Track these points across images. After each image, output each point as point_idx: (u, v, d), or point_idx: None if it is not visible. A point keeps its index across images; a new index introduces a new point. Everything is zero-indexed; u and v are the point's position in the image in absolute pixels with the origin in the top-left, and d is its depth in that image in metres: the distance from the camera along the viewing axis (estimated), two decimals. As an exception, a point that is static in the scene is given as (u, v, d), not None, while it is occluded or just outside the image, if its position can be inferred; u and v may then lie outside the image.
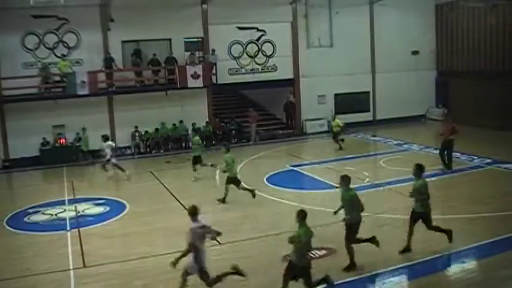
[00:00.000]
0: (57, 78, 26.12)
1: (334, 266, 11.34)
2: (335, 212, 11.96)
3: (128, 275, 11.60)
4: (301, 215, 9.68)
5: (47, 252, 13.45)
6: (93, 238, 14.41)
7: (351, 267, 11.20)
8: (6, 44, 25.37)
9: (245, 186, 17.36)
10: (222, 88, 29.70)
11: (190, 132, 28.04)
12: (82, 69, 26.14)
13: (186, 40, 28.97)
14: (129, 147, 27.57)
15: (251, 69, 30.43)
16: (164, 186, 20.00)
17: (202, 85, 27.71)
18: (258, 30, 30.29)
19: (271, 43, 30.58)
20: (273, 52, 30.70)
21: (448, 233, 11.91)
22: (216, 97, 30.57)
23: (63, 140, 26.18)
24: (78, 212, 17.03)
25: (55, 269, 12.16)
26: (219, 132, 29.33)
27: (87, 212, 17.13)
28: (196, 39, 29.46)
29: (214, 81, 28.78)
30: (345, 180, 11.46)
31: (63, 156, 25.37)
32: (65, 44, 26.51)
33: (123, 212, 16.87)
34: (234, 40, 29.85)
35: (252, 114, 29.83)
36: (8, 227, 15.90)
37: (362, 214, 11.38)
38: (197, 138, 21.87)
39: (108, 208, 17.41)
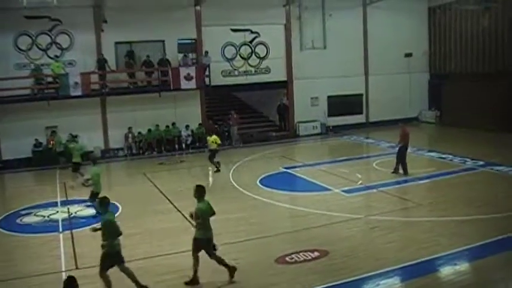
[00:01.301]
0: (50, 80, 26.02)
1: (327, 267, 11.37)
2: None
3: (122, 277, 11.53)
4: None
5: (39, 254, 13.39)
6: (86, 240, 14.28)
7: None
8: (-2, 45, 25.33)
9: None
10: (215, 90, 29.67)
11: (183, 133, 28.09)
12: (75, 70, 26.08)
13: (179, 42, 28.92)
14: (121, 149, 27.50)
15: (244, 71, 30.45)
16: (157, 188, 19.96)
17: (195, 87, 27.73)
18: (252, 32, 30.33)
19: (265, 45, 30.63)
20: (266, 54, 30.75)
21: (232, 270, 10.93)
22: (209, 99, 30.60)
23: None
24: (71, 214, 16.96)
25: (47, 270, 12.10)
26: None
27: (80, 213, 17.06)
28: (189, 41, 29.41)
29: (207, 83, 28.76)
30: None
31: (56, 158, 25.25)
32: (58, 45, 26.42)
33: (116, 214, 16.69)
34: (228, 42, 29.87)
35: (233, 117, 29.78)
36: (0, 229, 15.81)
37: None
38: (73, 145, 22.04)
39: (100, 210, 17.33)
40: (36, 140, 25.71)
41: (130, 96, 27.14)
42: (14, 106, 25.00)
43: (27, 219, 16.65)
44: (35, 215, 17.09)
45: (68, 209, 17.49)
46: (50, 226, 15.83)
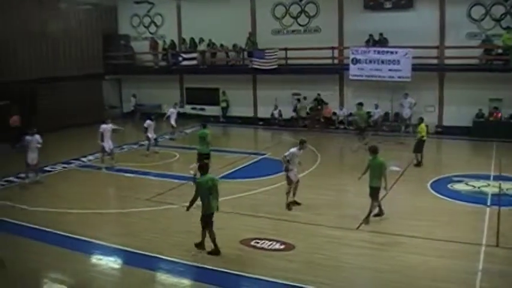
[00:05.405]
0: (500, 51, 25.43)
1: None
2: None
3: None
4: None
5: (462, 223, 13.67)
6: (512, 219, 13.89)
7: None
8: (453, 14, 26.08)
9: None
10: None
11: None
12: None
13: None
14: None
15: None
16: None
17: None
18: None
19: None
20: None
21: (215, 251, 11.73)
22: None
23: (499, 114, 25.51)
24: (502, 190, 16.52)
25: (466, 240, 12.29)
26: None
27: (511, 192, 16.44)
28: None
29: None
30: None
31: (496, 131, 24.71)
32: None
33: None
34: None
35: None
36: (431, 190, 16.72)
37: None
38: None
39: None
40: (479, 110, 25.74)
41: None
42: (461, 74, 25.57)
43: (457, 186, 17.08)
44: (466, 183, 17.35)
45: (500, 184, 17.05)
46: (478, 198, 15.85)
